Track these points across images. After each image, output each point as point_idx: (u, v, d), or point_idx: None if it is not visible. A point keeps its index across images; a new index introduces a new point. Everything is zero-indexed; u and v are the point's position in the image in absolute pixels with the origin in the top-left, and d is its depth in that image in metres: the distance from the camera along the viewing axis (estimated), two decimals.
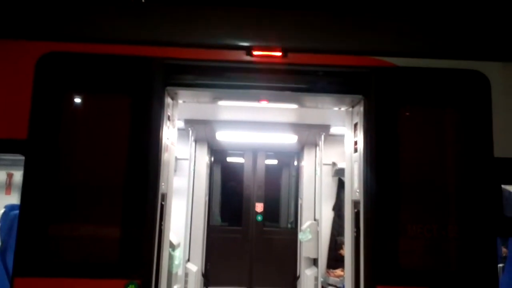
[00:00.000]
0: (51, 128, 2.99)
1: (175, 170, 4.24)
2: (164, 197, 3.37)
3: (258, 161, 7.57)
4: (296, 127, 5.84)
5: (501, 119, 3.13)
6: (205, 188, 6.77)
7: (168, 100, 3.31)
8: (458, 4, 3.52)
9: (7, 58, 3.08)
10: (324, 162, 6.18)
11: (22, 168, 2.96)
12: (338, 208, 6.64)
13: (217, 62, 3.19)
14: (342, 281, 5.59)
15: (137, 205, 2.95)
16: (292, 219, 7.64)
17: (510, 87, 3.19)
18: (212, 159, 7.46)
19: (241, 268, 7.17)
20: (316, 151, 6.60)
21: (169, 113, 3.39)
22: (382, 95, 3.15)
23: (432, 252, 3.03)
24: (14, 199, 6.35)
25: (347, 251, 3.57)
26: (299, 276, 6.79)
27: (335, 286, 6.01)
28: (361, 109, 3.28)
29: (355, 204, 3.44)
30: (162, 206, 3.30)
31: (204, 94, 3.46)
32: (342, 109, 3.73)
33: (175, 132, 3.73)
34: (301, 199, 6.94)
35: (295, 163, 7.70)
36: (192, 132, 5.99)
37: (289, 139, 6.41)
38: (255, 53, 3.18)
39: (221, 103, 3.93)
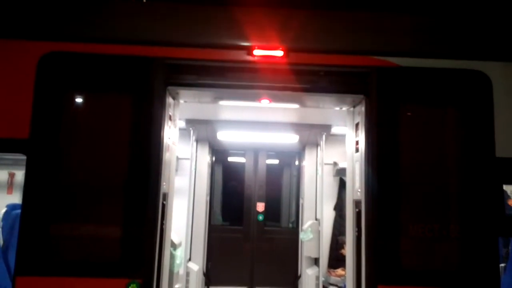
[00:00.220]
0: (52, 127, 2.99)
1: (176, 170, 4.24)
2: (165, 196, 3.38)
3: (259, 160, 7.56)
4: (297, 126, 5.84)
5: (502, 119, 3.12)
6: (206, 187, 6.77)
7: (169, 100, 3.32)
8: (460, 4, 3.51)
9: (9, 57, 3.08)
10: (325, 161, 6.18)
11: (24, 167, 2.97)
12: (339, 208, 6.65)
13: (219, 62, 3.19)
14: (343, 281, 5.59)
15: (139, 205, 2.95)
16: (293, 218, 7.63)
17: (511, 87, 3.18)
18: (213, 158, 7.46)
19: (242, 268, 7.17)
20: (318, 151, 6.60)
21: (170, 113, 3.39)
22: (383, 95, 3.14)
23: (433, 252, 3.03)
24: (16, 198, 6.36)
25: (349, 250, 3.57)
26: (300, 276, 6.80)
27: (336, 285, 6.02)
28: (363, 109, 3.28)
29: (357, 203, 3.44)
30: (163, 205, 3.30)
31: (206, 94, 3.46)
32: (344, 109, 3.72)
33: (176, 132, 3.74)
34: (302, 198, 6.94)
35: (296, 162, 7.69)
36: (193, 132, 6.00)
37: (291, 139, 6.41)
38: (256, 52, 3.18)
39: (222, 103, 3.94)
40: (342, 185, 6.67)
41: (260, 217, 7.37)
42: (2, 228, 4.21)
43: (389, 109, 3.13)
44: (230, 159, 7.88)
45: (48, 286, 2.86)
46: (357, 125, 3.47)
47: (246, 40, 3.20)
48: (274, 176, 7.76)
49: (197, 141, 6.51)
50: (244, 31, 3.22)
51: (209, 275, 6.85)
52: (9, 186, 6.87)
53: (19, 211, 3.02)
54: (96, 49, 3.11)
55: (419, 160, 3.14)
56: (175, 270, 4.90)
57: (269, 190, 7.54)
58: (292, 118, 5.51)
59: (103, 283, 2.87)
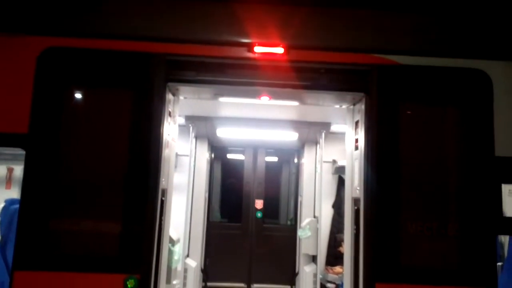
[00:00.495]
0: (52, 122, 2.99)
1: (175, 166, 4.24)
2: (164, 192, 3.38)
3: (258, 158, 7.57)
4: (296, 124, 5.84)
5: (502, 118, 3.12)
6: (205, 184, 6.78)
7: (169, 96, 3.31)
8: (461, 2, 3.51)
9: (9, 52, 3.07)
10: (324, 159, 6.19)
11: (23, 162, 2.96)
12: (337, 205, 6.66)
13: (219, 59, 3.19)
14: (341, 278, 5.60)
15: (138, 201, 2.95)
16: (291, 216, 7.65)
17: None
18: (213, 155, 7.47)
19: (240, 264, 7.19)
20: (317, 149, 6.60)
21: (170, 109, 3.39)
22: (383, 93, 3.14)
23: (431, 250, 3.03)
24: (15, 193, 6.35)
25: (347, 248, 3.57)
26: (298, 273, 6.81)
27: (334, 283, 6.03)
28: (363, 107, 3.28)
29: (355, 201, 3.44)
30: (162, 201, 3.30)
31: (205, 91, 3.46)
32: (343, 106, 3.72)
33: (176, 128, 3.73)
34: (301, 196, 6.94)
35: (295, 160, 7.70)
36: (192, 129, 5.99)
37: (290, 137, 6.41)
38: (257, 49, 3.17)
39: (222, 99, 3.94)
40: (340, 183, 6.68)
41: (259, 214, 7.39)
42: (1, 223, 4.20)
43: (389, 107, 3.12)
44: (229, 156, 7.89)
45: (46, 281, 2.86)
46: (356, 123, 3.46)
47: (247, 37, 3.19)
48: (273, 173, 7.77)
49: (196, 137, 6.51)
50: (245, 28, 3.21)
51: (207, 272, 6.86)
52: (8, 181, 6.86)
53: (17, 206, 3.01)
54: (96, 45, 3.10)
55: (418, 159, 3.14)
56: (173, 266, 4.91)
57: (268, 187, 7.55)
58: (291, 115, 5.51)
59: (101, 278, 2.87)
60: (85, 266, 2.89)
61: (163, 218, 3.39)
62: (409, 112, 3.19)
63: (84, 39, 3.10)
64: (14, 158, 6.18)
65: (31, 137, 2.95)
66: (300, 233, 6.47)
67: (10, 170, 6.81)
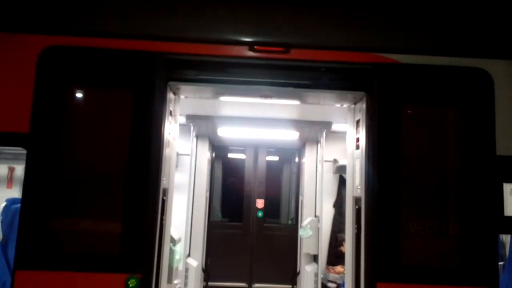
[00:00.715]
0: (53, 122, 2.99)
1: (176, 166, 4.24)
2: (165, 192, 3.37)
3: (259, 157, 7.57)
4: (297, 123, 5.83)
5: (504, 117, 3.12)
6: (206, 183, 6.78)
7: (170, 95, 3.31)
8: (462, 1, 3.50)
9: (10, 51, 3.07)
10: (325, 159, 6.18)
11: (24, 162, 2.97)
12: (338, 205, 6.66)
13: (220, 57, 3.19)
14: (342, 278, 5.60)
15: (139, 200, 2.95)
16: (292, 215, 7.65)
17: None
18: (213, 155, 7.47)
19: (241, 264, 7.19)
20: (318, 148, 6.60)
21: (171, 108, 3.38)
22: (384, 92, 3.14)
23: (433, 250, 3.03)
24: (16, 192, 6.37)
25: (348, 247, 3.57)
26: (299, 272, 6.81)
27: (335, 282, 6.03)
28: (364, 106, 3.27)
29: (357, 201, 3.44)
30: (163, 201, 3.30)
31: (206, 90, 3.45)
32: (344, 105, 3.72)
33: (176, 128, 3.73)
34: (302, 195, 6.94)
35: (296, 159, 7.70)
36: (193, 128, 5.99)
37: (291, 136, 6.41)
38: (258, 48, 3.16)
39: (223, 98, 3.93)
40: (341, 182, 6.67)
41: (260, 214, 7.39)
42: (2, 222, 4.21)
43: (390, 106, 3.12)
44: (230, 155, 7.89)
45: (47, 280, 2.86)
46: (357, 122, 3.46)
47: (248, 35, 3.19)
48: (274, 172, 7.77)
49: (197, 137, 6.51)
50: (246, 27, 3.21)
51: (208, 271, 6.86)
52: (9, 180, 6.88)
53: (18, 205, 3.02)
54: (97, 44, 3.10)
55: (419, 158, 3.13)
56: (174, 266, 4.90)
57: (268, 186, 7.56)
58: (292, 114, 5.50)
59: (102, 278, 2.87)
60: (86, 265, 2.89)
61: (164, 217, 3.39)
62: (410, 111, 3.18)
63: (85, 38, 3.10)
64: (15, 158, 6.20)
65: (32, 136, 2.96)
66: (301, 232, 6.47)
67: (11, 170, 6.83)
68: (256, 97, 3.57)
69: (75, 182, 3.01)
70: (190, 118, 5.73)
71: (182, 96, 3.62)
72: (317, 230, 6.21)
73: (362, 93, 3.26)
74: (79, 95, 3.14)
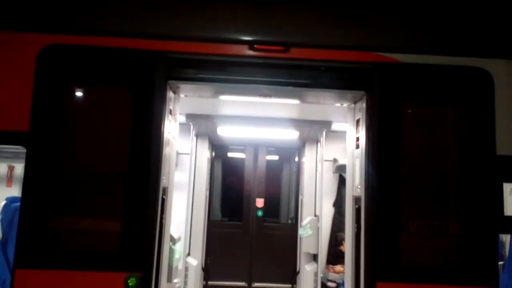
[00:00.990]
0: (52, 120, 2.99)
1: (176, 165, 4.24)
2: (165, 191, 3.37)
3: (259, 156, 7.57)
4: (297, 123, 5.83)
5: (504, 117, 3.11)
6: (206, 182, 6.78)
7: (170, 94, 3.31)
8: (462, 0, 3.50)
9: (9, 50, 3.07)
10: (325, 158, 6.18)
11: (23, 160, 2.96)
12: (338, 204, 6.66)
13: (220, 56, 3.18)
14: (342, 277, 5.61)
15: (138, 199, 2.95)
16: (292, 214, 7.65)
17: None
18: (213, 154, 7.47)
19: (241, 263, 7.19)
20: (318, 147, 6.60)
21: (170, 107, 3.38)
22: (384, 91, 3.14)
23: (432, 249, 3.03)
24: (15, 191, 6.36)
25: (348, 247, 3.57)
26: (298, 272, 6.81)
27: (334, 282, 6.03)
28: (364, 105, 3.27)
29: (356, 200, 3.44)
30: (163, 200, 3.30)
31: (206, 88, 3.45)
32: (344, 105, 3.72)
33: (176, 127, 3.73)
34: (301, 195, 6.94)
35: (296, 159, 7.70)
36: (193, 127, 5.99)
37: (291, 135, 6.41)
38: (258, 47, 3.16)
39: (223, 97, 3.93)
40: (341, 181, 6.67)
41: (260, 213, 7.39)
42: (1, 221, 4.21)
43: (390, 105, 3.12)
44: (230, 154, 7.89)
45: (47, 279, 2.86)
46: (357, 121, 3.46)
47: (248, 34, 3.18)
48: (273, 172, 7.77)
49: (197, 136, 6.51)
50: (246, 26, 3.21)
51: (208, 270, 6.87)
52: (9, 179, 6.87)
53: (18, 204, 3.01)
54: (97, 42, 3.09)
55: (419, 157, 3.13)
56: (174, 265, 4.90)
57: (268, 186, 7.56)
58: (292, 114, 5.50)
59: (102, 277, 2.87)
60: (86, 264, 2.89)
61: (164, 216, 3.39)
62: (410, 111, 3.18)
63: (85, 37, 3.10)
64: (15, 156, 6.19)
65: (32, 135, 2.95)
66: (301, 231, 6.47)
67: (11, 168, 6.82)
68: (256, 96, 3.57)
69: (74, 180, 3.01)
70: (190, 117, 5.73)
71: (182, 95, 3.61)
72: (317, 230, 6.22)
73: (362, 92, 3.25)
74: (78, 93, 3.14)
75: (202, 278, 6.69)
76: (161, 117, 3.07)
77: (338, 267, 6.11)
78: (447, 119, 3.21)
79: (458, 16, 3.33)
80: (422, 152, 3.15)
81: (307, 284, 6.21)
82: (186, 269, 6.00)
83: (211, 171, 7.30)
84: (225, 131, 6.33)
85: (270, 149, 7.67)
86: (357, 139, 3.44)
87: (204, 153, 6.74)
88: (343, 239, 4.58)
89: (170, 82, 3.19)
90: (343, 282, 4.86)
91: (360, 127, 3.36)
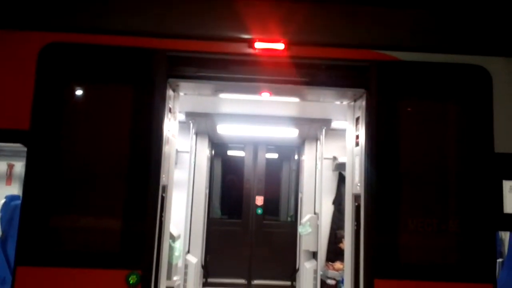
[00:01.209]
0: (53, 118, 2.99)
1: (175, 163, 4.25)
2: (164, 189, 3.38)
3: (258, 154, 7.57)
4: (297, 121, 5.83)
5: (502, 114, 3.12)
6: (206, 181, 6.78)
7: (169, 92, 3.31)
8: None
9: (10, 48, 3.07)
10: (324, 156, 6.18)
11: (23, 159, 2.97)
12: (338, 202, 6.67)
13: (219, 55, 3.19)
14: (341, 274, 5.62)
15: (138, 197, 2.96)
16: (292, 212, 7.66)
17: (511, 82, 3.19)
18: (213, 152, 7.47)
19: (240, 261, 7.20)
20: (317, 145, 6.60)
21: (170, 105, 3.39)
22: (384, 89, 3.14)
23: (431, 246, 3.04)
24: (15, 189, 6.36)
25: (347, 244, 3.58)
26: (298, 269, 6.83)
27: (334, 279, 6.04)
28: (363, 103, 3.28)
29: (356, 198, 3.45)
30: (162, 198, 3.31)
31: (206, 87, 3.46)
32: (344, 103, 3.72)
33: (176, 125, 3.73)
34: (301, 192, 6.95)
35: (296, 157, 7.70)
36: (193, 125, 5.99)
37: (290, 133, 6.41)
38: (258, 45, 3.16)
39: (223, 95, 3.93)
40: (341, 179, 6.68)
41: (259, 211, 7.40)
42: (1, 219, 4.22)
43: (389, 103, 3.12)
44: (229, 152, 7.89)
45: (48, 276, 2.87)
46: (357, 119, 3.47)
47: (247, 32, 3.18)
48: (273, 170, 7.78)
49: (196, 134, 6.51)
50: (245, 24, 3.21)
51: (207, 268, 6.88)
52: (8, 177, 6.86)
53: (18, 202, 3.03)
54: (97, 40, 3.10)
55: (418, 155, 3.14)
56: (174, 262, 4.93)
57: (268, 184, 7.56)
58: (292, 112, 5.50)
59: (103, 274, 2.88)
60: (87, 262, 2.90)
61: (163, 214, 3.40)
62: (409, 108, 3.19)
63: (85, 35, 3.10)
64: (14, 155, 6.19)
65: (33, 133, 2.96)
66: (300, 229, 6.48)
67: (11, 166, 6.82)
68: (256, 94, 3.57)
69: (75, 178, 3.02)
70: (190, 115, 5.72)
71: (181, 93, 3.62)
72: (316, 227, 6.22)
73: (362, 90, 3.26)
74: (79, 92, 3.14)
75: (202, 275, 6.70)
76: (161, 115, 3.07)
77: (338, 265, 6.12)
78: (446, 117, 3.22)
79: (457, 14, 3.34)
80: (422, 150, 3.16)
81: (307, 282, 6.22)
82: (186, 266, 6.01)
83: (210, 169, 7.30)
84: (224, 129, 6.33)
85: (269, 147, 7.67)
86: (357, 137, 3.44)
87: (204, 151, 6.75)
88: (343, 237, 4.59)
89: (170, 80, 3.19)
90: (343, 280, 4.88)
91: (359, 125, 3.37)
